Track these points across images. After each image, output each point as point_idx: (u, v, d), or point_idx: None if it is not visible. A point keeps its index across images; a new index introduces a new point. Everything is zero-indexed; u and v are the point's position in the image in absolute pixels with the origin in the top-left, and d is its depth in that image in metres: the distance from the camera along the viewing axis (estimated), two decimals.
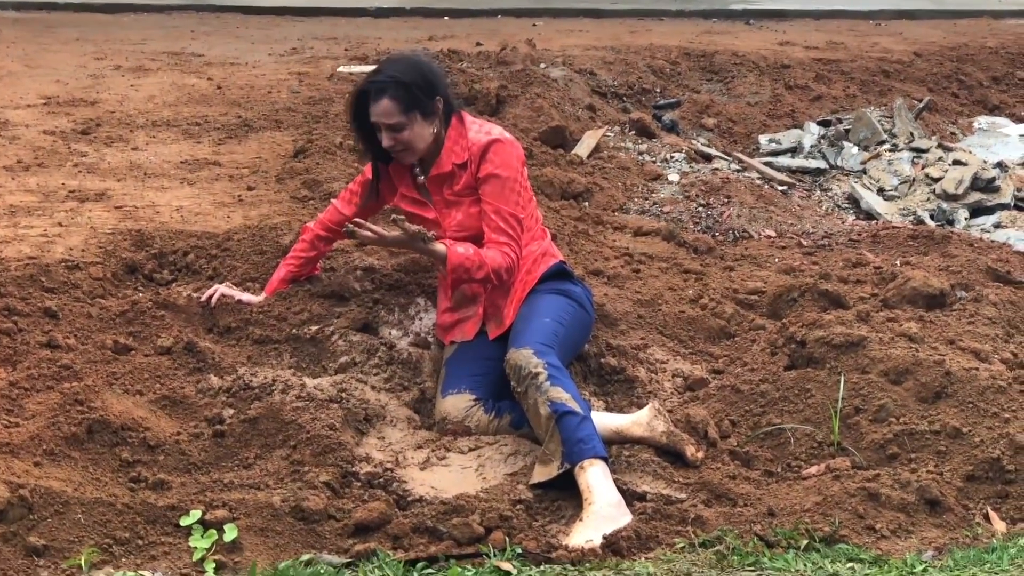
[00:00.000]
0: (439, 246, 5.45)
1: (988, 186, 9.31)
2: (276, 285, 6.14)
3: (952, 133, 11.05)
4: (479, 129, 5.65)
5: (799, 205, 9.04)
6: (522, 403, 5.22)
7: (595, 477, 4.89)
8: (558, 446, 5.00)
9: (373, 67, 5.57)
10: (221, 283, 6.32)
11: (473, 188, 5.59)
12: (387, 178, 5.84)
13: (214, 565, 4.37)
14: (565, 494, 4.90)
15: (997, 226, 8.83)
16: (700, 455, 5.16)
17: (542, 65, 11.14)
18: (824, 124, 10.78)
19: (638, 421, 5.27)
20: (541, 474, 5.02)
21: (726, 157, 9.98)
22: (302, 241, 6.13)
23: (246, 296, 6.13)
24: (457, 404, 5.44)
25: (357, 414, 5.36)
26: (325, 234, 6.05)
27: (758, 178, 9.49)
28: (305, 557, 4.45)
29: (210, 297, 6.14)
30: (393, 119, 5.47)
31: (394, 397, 5.58)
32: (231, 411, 5.31)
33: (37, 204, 7.58)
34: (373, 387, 5.60)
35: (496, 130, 5.68)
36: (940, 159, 9.70)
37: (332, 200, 6.16)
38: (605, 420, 5.29)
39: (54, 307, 5.94)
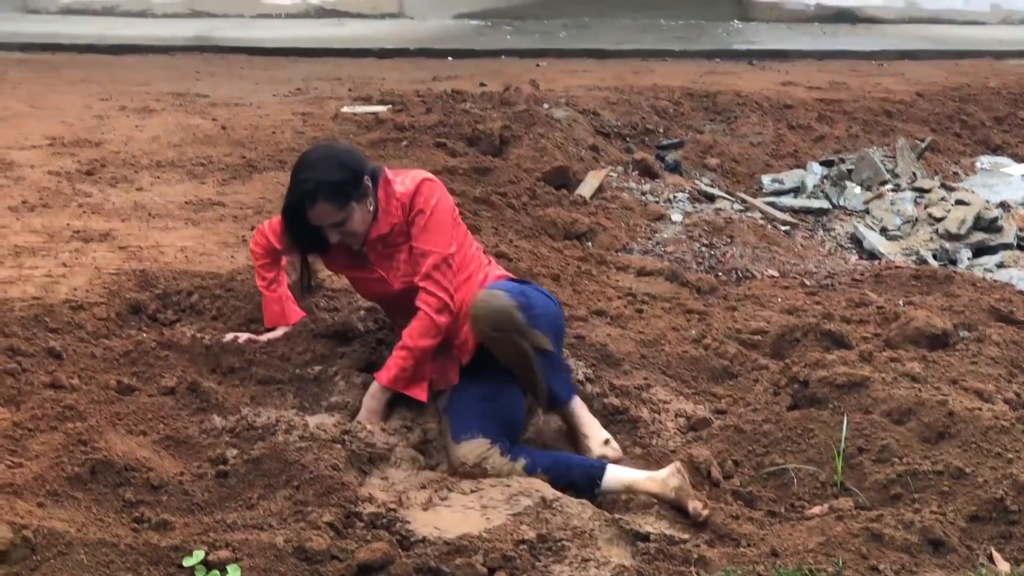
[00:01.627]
0: (372, 389, 5.66)
1: (991, 226, 9.32)
2: (277, 314, 6.23)
3: (955, 173, 11.07)
4: (403, 180, 5.71)
5: (802, 245, 9.05)
6: (491, 345, 5.41)
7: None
8: (541, 387, 5.50)
9: (298, 170, 5.58)
10: (225, 324, 6.35)
11: (405, 233, 5.67)
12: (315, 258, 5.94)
13: None
14: (569, 533, 4.90)
15: (1000, 266, 8.84)
16: (705, 512, 5.15)
17: (545, 105, 11.17)
18: (827, 164, 10.80)
19: (653, 477, 5.28)
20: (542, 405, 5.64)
21: (729, 197, 10.00)
22: (262, 267, 6.26)
23: (267, 336, 6.22)
24: (474, 450, 5.43)
25: (360, 455, 5.36)
26: (267, 247, 6.20)
27: (761, 218, 9.50)
28: None
29: (235, 339, 6.22)
30: (334, 218, 5.53)
31: (397, 437, 5.57)
32: (234, 451, 5.30)
33: (42, 244, 7.60)
34: (376, 427, 5.60)
35: (419, 173, 5.76)
36: (943, 199, 9.72)
37: (264, 232, 6.21)
38: (620, 474, 5.32)
39: (58, 347, 5.95)
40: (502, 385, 5.55)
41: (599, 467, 5.33)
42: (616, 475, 5.29)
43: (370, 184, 5.60)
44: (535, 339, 5.40)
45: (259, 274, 6.25)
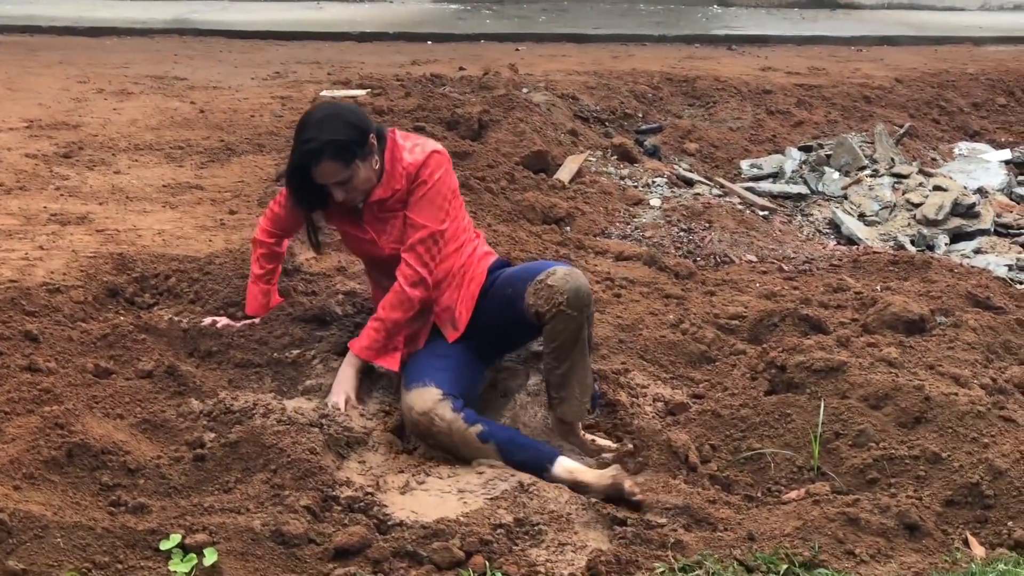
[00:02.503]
0: (347, 357, 5.73)
1: (968, 212, 9.34)
2: (261, 305, 6.17)
3: (933, 159, 11.08)
4: (411, 149, 5.70)
5: (780, 230, 9.06)
6: (549, 327, 5.44)
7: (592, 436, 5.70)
8: (590, 379, 5.59)
9: (302, 130, 5.57)
10: (203, 307, 6.34)
11: (405, 201, 5.67)
12: (317, 216, 5.89)
13: None
14: (546, 517, 4.90)
15: (977, 252, 8.86)
16: (639, 494, 5.14)
17: (524, 90, 11.17)
18: (805, 149, 10.81)
19: (594, 470, 5.33)
20: (576, 412, 5.58)
21: (708, 182, 10.01)
22: (261, 256, 6.17)
23: (244, 323, 6.21)
24: (424, 396, 5.41)
25: (338, 439, 5.36)
26: (274, 240, 6.14)
27: (739, 203, 9.51)
28: None
29: (214, 323, 6.19)
30: (339, 176, 5.50)
31: (375, 421, 5.57)
32: (212, 435, 5.30)
33: (19, 227, 7.58)
34: (351, 409, 5.60)
35: (429, 144, 5.76)
36: (920, 185, 9.74)
37: (269, 211, 6.14)
38: (567, 464, 5.35)
39: (35, 330, 5.94)
40: (465, 352, 5.62)
41: (552, 454, 5.34)
42: (564, 464, 5.30)
43: (375, 143, 5.59)
44: (591, 330, 5.57)
45: (258, 263, 6.19)
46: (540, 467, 5.28)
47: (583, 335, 5.45)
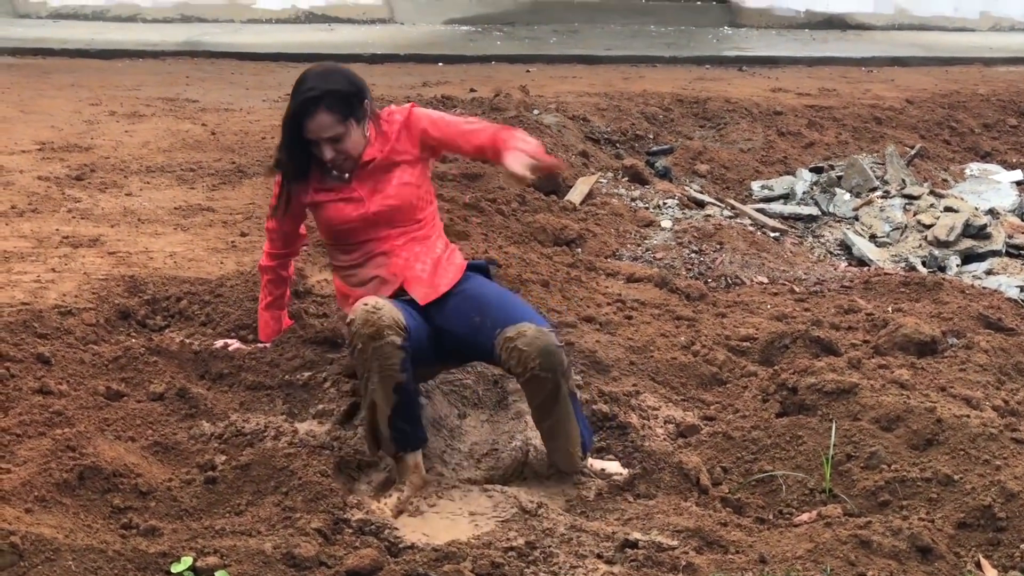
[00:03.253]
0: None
1: (979, 233, 9.34)
2: (273, 331, 6.17)
3: (944, 180, 11.08)
4: (390, 115, 5.71)
5: (791, 251, 9.06)
6: (524, 387, 5.34)
7: (600, 462, 5.64)
8: (576, 431, 5.44)
9: (302, 81, 5.51)
10: (214, 329, 6.35)
11: (407, 154, 5.67)
12: (297, 191, 5.76)
13: None
14: (556, 540, 4.90)
15: (989, 273, 8.86)
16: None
17: (535, 111, 11.18)
18: (816, 171, 10.82)
19: None
20: (568, 463, 5.49)
21: (719, 203, 10.01)
22: (268, 283, 6.13)
23: (253, 347, 6.21)
24: (390, 305, 5.24)
25: (349, 461, 5.36)
26: (278, 263, 6.08)
27: (750, 224, 9.51)
28: None
29: (225, 346, 6.19)
30: (332, 131, 5.46)
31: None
32: (223, 457, 5.30)
33: (31, 250, 7.59)
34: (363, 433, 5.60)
35: (406, 105, 5.81)
36: (932, 206, 9.73)
37: (267, 231, 6.07)
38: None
39: (47, 353, 5.95)
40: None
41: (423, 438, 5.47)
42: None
43: (368, 109, 5.58)
44: (572, 381, 5.43)
45: (266, 289, 6.16)
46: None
47: (562, 392, 5.33)
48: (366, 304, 5.12)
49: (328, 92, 5.43)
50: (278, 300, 6.18)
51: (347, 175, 5.63)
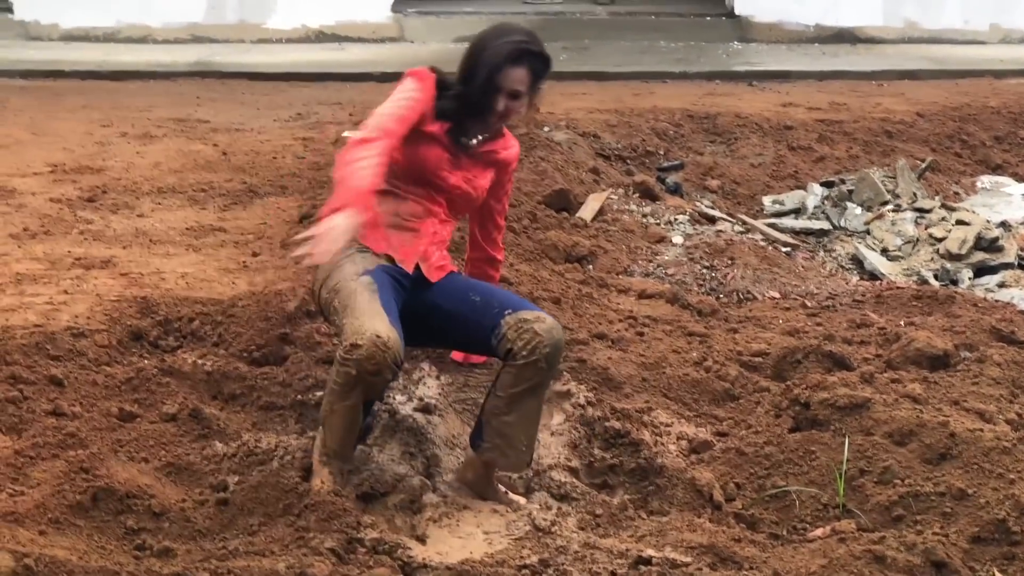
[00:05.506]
0: None
1: (992, 246, 9.32)
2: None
3: (955, 193, 11.07)
4: (509, 131, 5.83)
5: (803, 266, 9.05)
6: (515, 370, 5.26)
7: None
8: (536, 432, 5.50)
9: (511, 31, 5.55)
10: (227, 350, 6.37)
11: (496, 168, 5.73)
12: (429, 116, 5.53)
13: None
14: (570, 558, 4.89)
15: (1001, 285, 8.84)
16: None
17: (546, 128, 11.18)
18: (827, 185, 10.81)
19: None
20: (516, 461, 5.46)
21: (730, 219, 10.01)
22: (381, 153, 5.25)
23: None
24: (397, 339, 5.02)
25: (360, 481, 5.36)
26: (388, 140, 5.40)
27: (762, 239, 9.51)
28: None
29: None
30: (522, 87, 5.47)
31: (398, 463, 5.56)
32: (236, 477, 5.31)
33: (43, 272, 7.61)
34: (377, 454, 5.59)
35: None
36: (943, 219, 9.72)
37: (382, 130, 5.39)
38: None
39: (59, 375, 5.96)
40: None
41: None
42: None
43: (541, 92, 5.62)
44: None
45: (377, 152, 5.23)
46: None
47: (545, 390, 5.39)
48: (378, 337, 4.89)
49: (541, 53, 5.49)
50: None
51: (473, 141, 5.58)
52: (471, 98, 5.50)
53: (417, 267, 5.45)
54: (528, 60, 5.47)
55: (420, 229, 5.47)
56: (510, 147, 5.80)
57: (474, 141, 5.60)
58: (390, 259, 5.36)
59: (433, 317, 5.44)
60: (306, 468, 5.27)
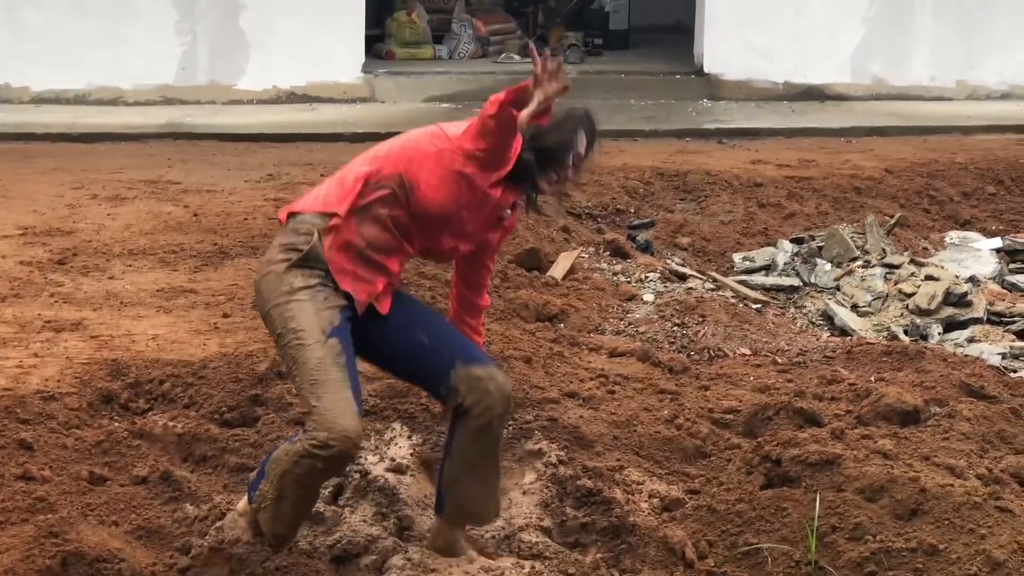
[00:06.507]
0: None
1: (961, 301, 9.37)
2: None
3: (924, 248, 11.12)
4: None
5: (773, 323, 9.08)
6: (469, 433, 5.14)
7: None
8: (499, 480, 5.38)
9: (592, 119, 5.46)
10: (197, 412, 6.35)
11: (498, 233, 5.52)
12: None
13: None
14: None
15: (971, 340, 8.88)
16: None
17: None
18: (797, 241, 10.85)
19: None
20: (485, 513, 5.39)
21: (700, 276, 10.04)
22: None
23: None
24: (362, 428, 5.07)
25: (333, 543, 5.34)
26: None
27: (732, 296, 9.54)
28: None
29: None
30: (584, 165, 5.42)
31: (370, 525, 5.54)
32: (199, 541, 5.27)
33: (13, 335, 7.59)
34: (349, 515, 5.57)
35: None
36: (912, 275, 9.77)
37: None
38: None
39: (29, 439, 5.95)
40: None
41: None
42: None
43: None
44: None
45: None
46: None
47: (499, 443, 5.28)
48: (348, 437, 4.81)
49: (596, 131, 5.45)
50: None
51: (507, 212, 5.42)
52: (543, 156, 5.30)
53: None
54: (591, 131, 5.41)
55: (386, 266, 5.17)
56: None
57: (507, 212, 5.44)
58: (346, 295, 5.09)
59: (381, 350, 5.27)
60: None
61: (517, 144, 5.21)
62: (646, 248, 10.69)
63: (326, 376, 4.88)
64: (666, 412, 6.85)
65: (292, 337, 4.97)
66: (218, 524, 5.25)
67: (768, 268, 10.39)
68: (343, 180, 5.24)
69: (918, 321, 9.15)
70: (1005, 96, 18.36)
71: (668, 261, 10.43)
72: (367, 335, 5.18)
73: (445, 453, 5.33)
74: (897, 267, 9.97)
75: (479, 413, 5.09)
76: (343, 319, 5.04)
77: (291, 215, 5.19)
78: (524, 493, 5.85)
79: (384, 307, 5.19)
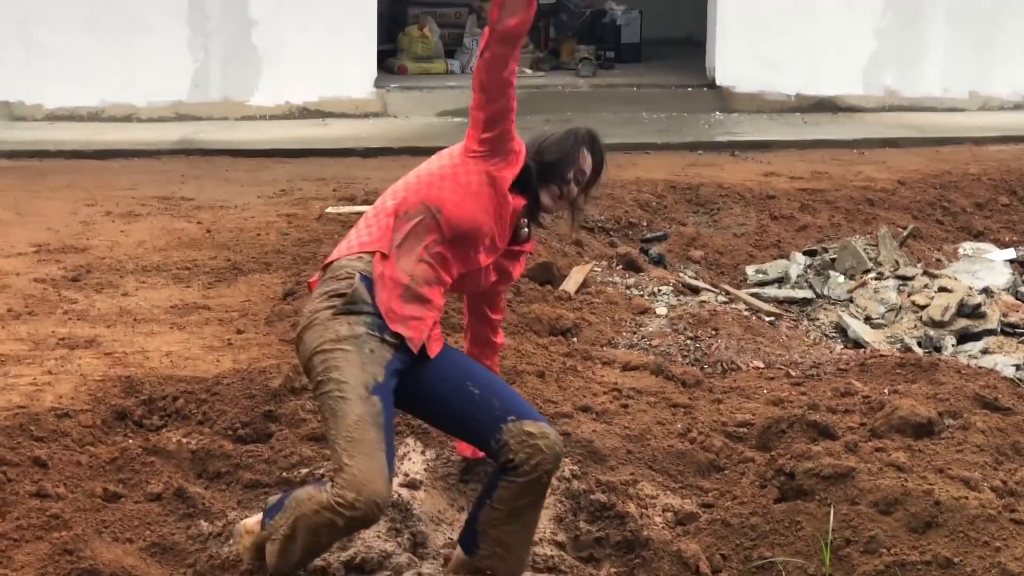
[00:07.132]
0: None
1: (974, 312, 9.35)
2: None
3: (937, 260, 11.11)
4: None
5: (787, 335, 9.07)
6: (517, 487, 5.09)
7: None
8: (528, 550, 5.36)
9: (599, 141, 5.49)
10: (211, 428, 6.36)
11: (513, 260, 5.53)
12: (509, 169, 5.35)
13: None
14: None
15: (984, 352, 8.87)
16: None
17: None
18: (810, 254, 10.84)
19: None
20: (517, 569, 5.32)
21: (713, 289, 10.04)
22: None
23: None
24: (391, 494, 5.06)
25: (348, 559, 5.35)
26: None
27: (745, 309, 9.53)
28: None
29: None
30: (586, 173, 5.44)
31: (384, 540, 5.55)
32: (206, 554, 5.28)
33: (27, 352, 7.62)
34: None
35: None
36: (926, 286, 9.76)
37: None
38: None
39: (43, 456, 5.96)
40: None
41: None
42: None
43: None
44: None
45: None
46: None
47: (543, 500, 5.27)
48: (377, 503, 4.79)
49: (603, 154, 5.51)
50: None
51: (524, 230, 5.48)
52: (544, 166, 5.36)
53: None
54: (598, 153, 5.43)
55: (431, 300, 5.14)
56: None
57: (524, 232, 5.50)
58: (397, 336, 5.04)
59: (426, 398, 5.21)
60: None
61: (521, 148, 5.28)
62: (659, 261, 10.70)
63: (363, 435, 4.83)
64: (679, 425, 6.85)
65: (334, 387, 4.92)
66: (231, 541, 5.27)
67: (781, 280, 10.38)
68: (373, 222, 5.23)
69: (932, 333, 9.14)
70: (1018, 107, 18.34)
71: (681, 274, 10.43)
72: (412, 381, 5.13)
73: (483, 499, 5.25)
74: (910, 279, 9.96)
75: (529, 470, 5.05)
76: (388, 375, 4.99)
77: (325, 267, 5.19)
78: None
79: (434, 350, 5.17)
